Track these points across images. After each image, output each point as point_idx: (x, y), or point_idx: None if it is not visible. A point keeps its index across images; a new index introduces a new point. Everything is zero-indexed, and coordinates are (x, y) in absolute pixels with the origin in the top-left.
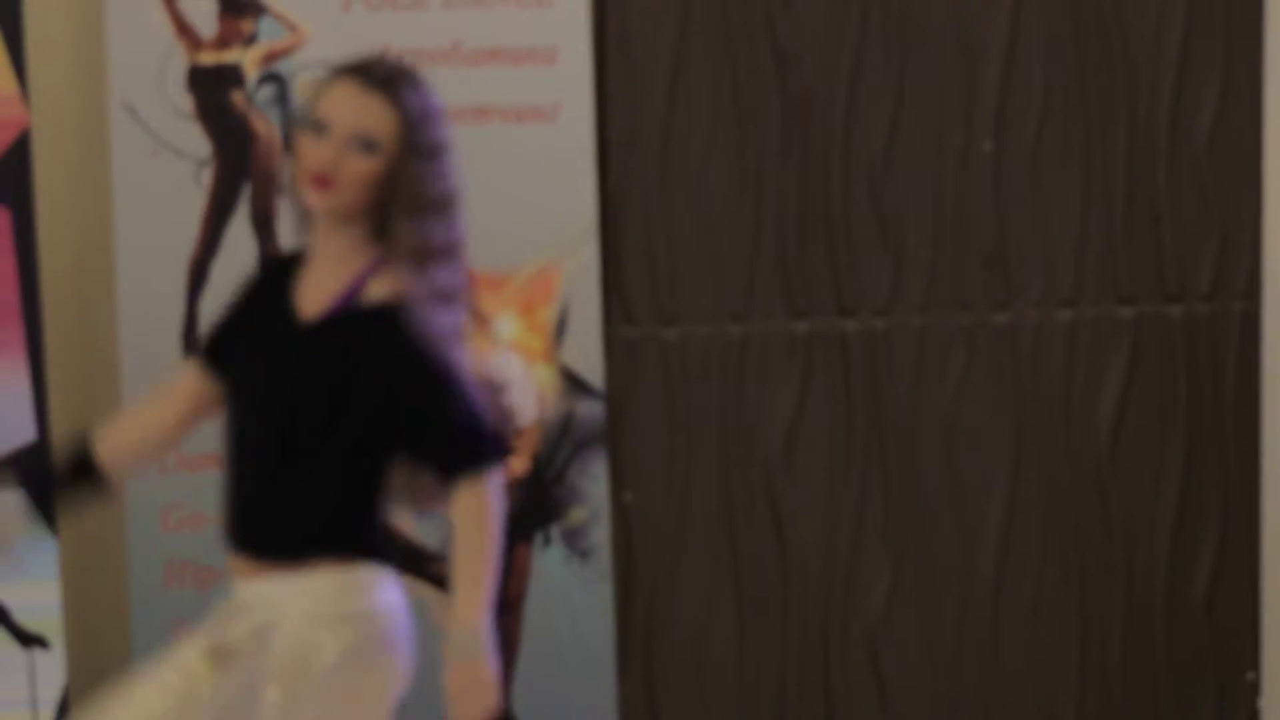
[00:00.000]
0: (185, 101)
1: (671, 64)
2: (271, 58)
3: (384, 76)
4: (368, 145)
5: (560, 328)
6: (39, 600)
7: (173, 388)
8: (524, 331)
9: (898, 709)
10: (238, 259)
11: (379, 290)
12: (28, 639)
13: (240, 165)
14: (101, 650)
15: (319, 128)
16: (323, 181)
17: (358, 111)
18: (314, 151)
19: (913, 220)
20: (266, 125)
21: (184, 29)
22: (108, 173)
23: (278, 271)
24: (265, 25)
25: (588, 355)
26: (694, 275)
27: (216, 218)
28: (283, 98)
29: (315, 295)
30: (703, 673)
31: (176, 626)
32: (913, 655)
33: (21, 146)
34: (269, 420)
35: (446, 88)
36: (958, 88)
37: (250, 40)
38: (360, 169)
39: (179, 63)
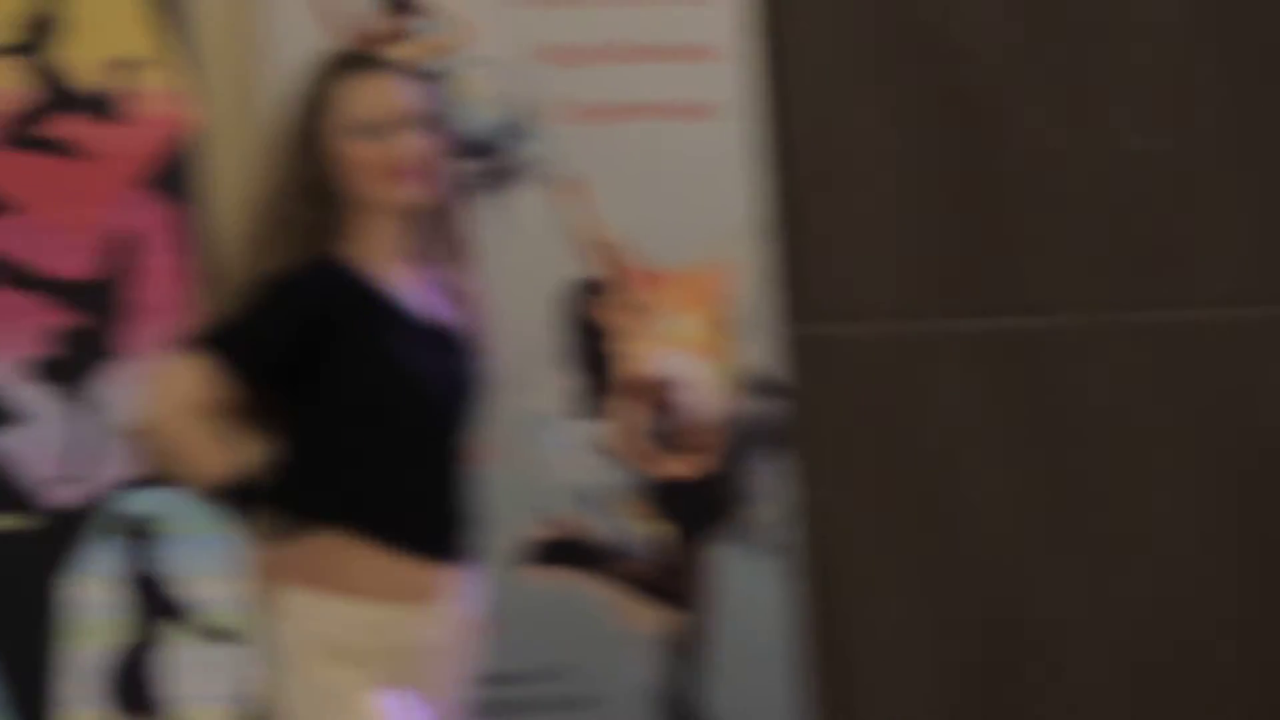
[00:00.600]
0: None
1: (831, 58)
2: (431, 54)
3: (375, 58)
4: (419, 122)
5: (736, 324)
6: (224, 595)
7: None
8: (695, 329)
9: (1083, 714)
10: None
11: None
12: (215, 634)
13: None
14: None
15: (368, 129)
16: (404, 172)
17: (395, 95)
18: (375, 151)
19: (1087, 217)
20: None
21: (345, 26)
22: None
23: (327, 275)
24: (423, 22)
25: (761, 352)
26: (875, 271)
27: None
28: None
29: (415, 292)
30: (894, 669)
31: None
32: (1100, 658)
33: (188, 143)
34: (446, 415)
35: (605, 84)
36: (1129, 82)
37: (410, 36)
38: (427, 147)
39: None
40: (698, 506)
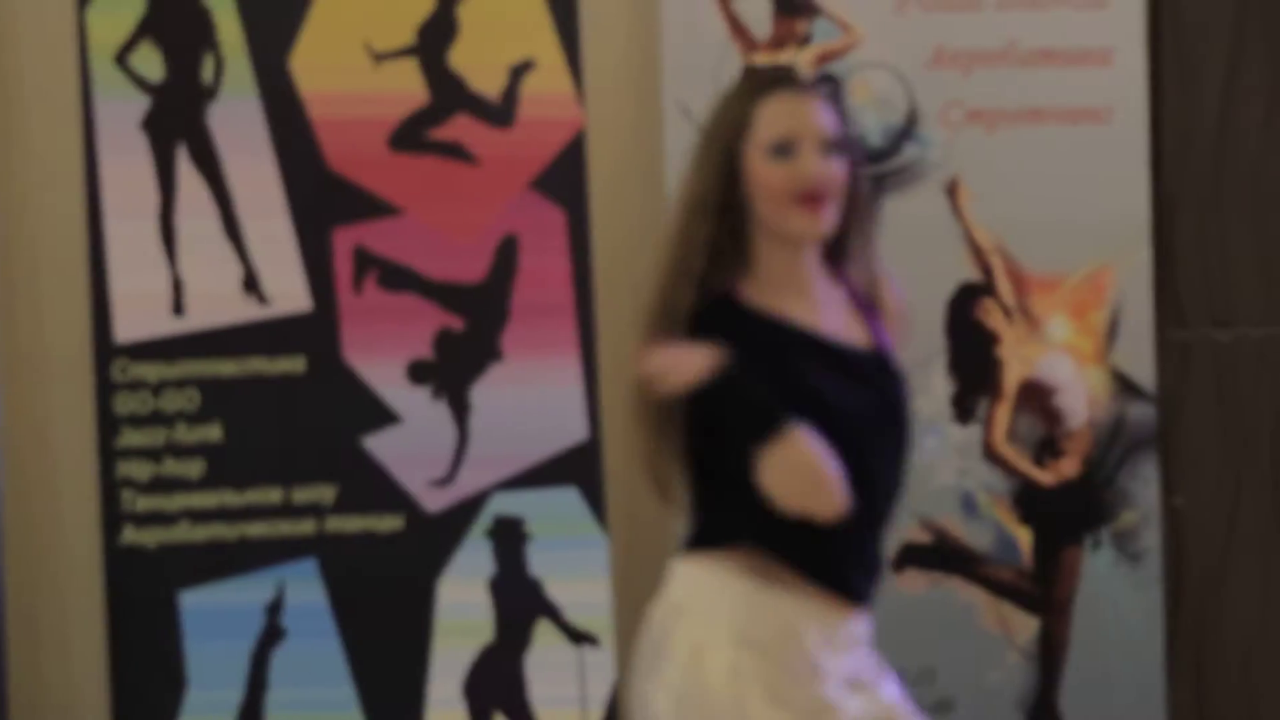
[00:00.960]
0: None
1: (1226, 64)
2: (825, 58)
3: (803, 81)
4: (835, 147)
5: (1112, 330)
6: (590, 598)
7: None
8: (1075, 334)
9: None
10: None
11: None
12: (579, 636)
13: None
14: None
15: (782, 150)
16: (816, 198)
17: (813, 117)
18: (789, 173)
19: None
20: None
21: (738, 30)
22: (661, 173)
23: (740, 315)
24: (820, 26)
25: (1139, 358)
26: (1248, 277)
27: None
28: (836, 98)
29: (840, 324)
30: (1253, 678)
31: None
32: None
33: (576, 148)
34: (899, 461)
35: (1001, 88)
36: None
37: (805, 41)
38: (840, 175)
39: (733, 63)
40: (1066, 511)
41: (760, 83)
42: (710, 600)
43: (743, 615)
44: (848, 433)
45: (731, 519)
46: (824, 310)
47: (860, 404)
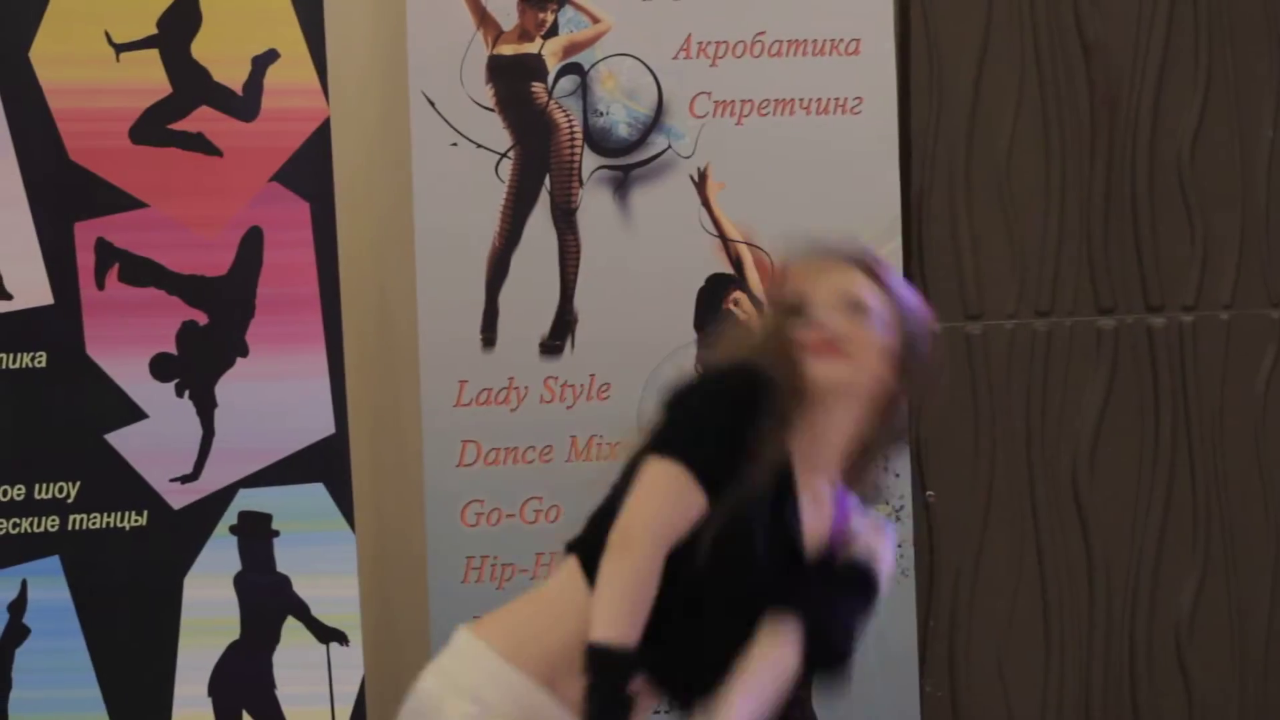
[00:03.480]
0: (485, 93)
1: (976, 56)
2: (572, 49)
3: (865, 259)
4: (858, 307)
5: None
6: (338, 595)
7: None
8: None
9: (1204, 711)
10: (537, 251)
11: (859, 537)
12: (326, 634)
13: (541, 157)
14: (400, 645)
15: (797, 309)
16: (830, 347)
17: (839, 279)
18: (806, 329)
19: (1220, 214)
20: (567, 117)
21: (484, 20)
22: (407, 165)
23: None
24: (566, 16)
25: None
26: (999, 269)
27: (516, 210)
28: (584, 89)
29: (815, 524)
30: (1007, 671)
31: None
32: (1221, 657)
33: (321, 138)
34: (744, 625)
35: (749, 78)
36: (1267, 78)
37: (551, 31)
38: (867, 335)
39: (479, 54)
40: None
41: (818, 257)
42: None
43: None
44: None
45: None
46: (812, 490)
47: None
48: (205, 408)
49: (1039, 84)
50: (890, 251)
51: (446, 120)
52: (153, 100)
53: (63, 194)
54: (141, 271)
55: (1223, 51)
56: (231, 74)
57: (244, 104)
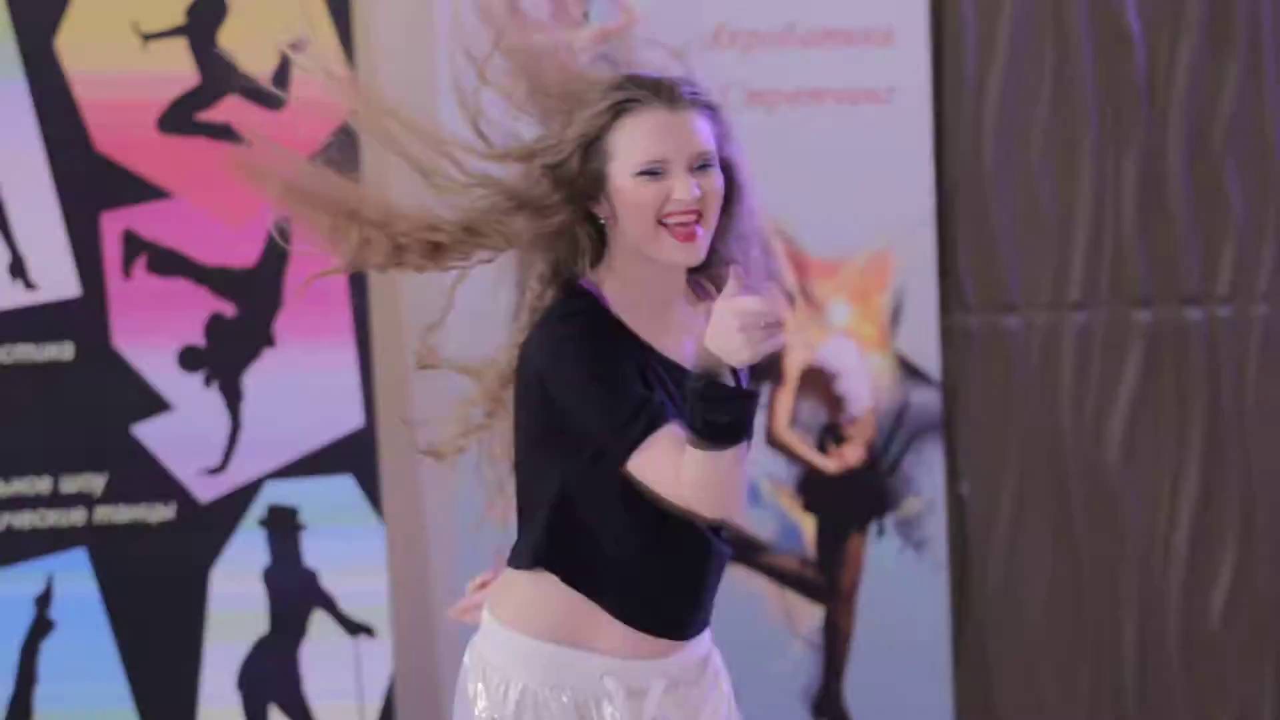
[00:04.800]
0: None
1: (1009, 43)
2: (603, 39)
3: (682, 94)
4: (707, 163)
5: (894, 314)
6: (366, 588)
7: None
8: (857, 318)
9: (1239, 708)
10: None
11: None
12: (355, 628)
13: None
14: (429, 639)
15: (652, 171)
16: (690, 227)
17: (686, 133)
18: (657, 193)
19: (1254, 206)
20: None
21: (513, 11)
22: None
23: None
24: (597, 6)
25: (922, 342)
26: (1033, 263)
27: None
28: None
29: (678, 348)
30: (1038, 665)
31: None
32: (1254, 652)
33: (350, 129)
34: None
35: (781, 68)
36: None
37: (582, 21)
38: (714, 192)
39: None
40: (850, 499)
41: (632, 92)
42: (507, 664)
43: (539, 679)
44: None
45: (547, 532)
46: (675, 334)
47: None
48: (233, 399)
49: (1073, 73)
50: (922, 243)
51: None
52: (180, 90)
53: (90, 184)
54: (169, 262)
55: (1260, 40)
56: (259, 63)
57: (274, 94)
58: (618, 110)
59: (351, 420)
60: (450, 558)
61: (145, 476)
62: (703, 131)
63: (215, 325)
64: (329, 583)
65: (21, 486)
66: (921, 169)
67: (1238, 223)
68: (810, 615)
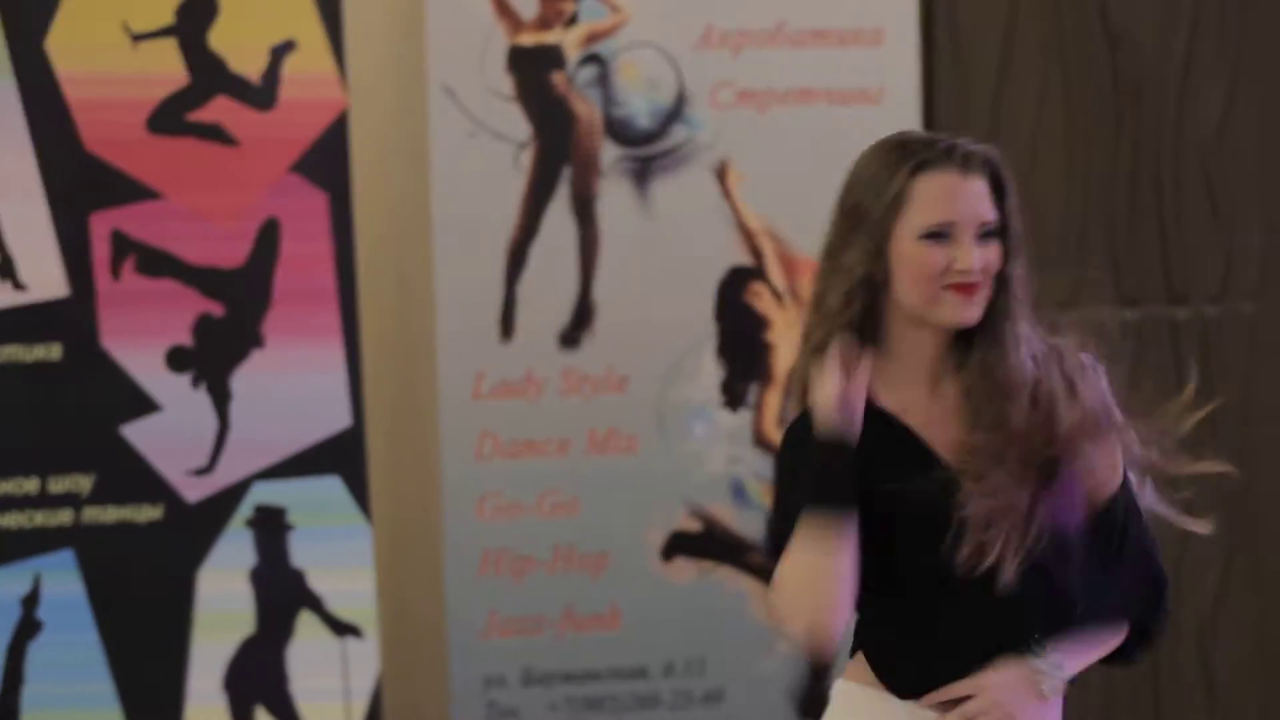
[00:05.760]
0: (505, 83)
1: (1000, 45)
2: (593, 38)
3: (976, 156)
4: (990, 233)
5: None
6: (353, 588)
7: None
8: None
9: (1226, 710)
10: (556, 243)
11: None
12: (341, 628)
13: (560, 148)
14: (416, 639)
15: (936, 235)
16: (970, 289)
17: (974, 199)
18: (944, 259)
19: (1246, 205)
20: (587, 107)
21: (504, 10)
22: (426, 155)
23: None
24: (586, 5)
25: None
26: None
27: (535, 201)
28: (604, 79)
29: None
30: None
31: (492, 614)
32: (1244, 654)
33: (339, 129)
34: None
35: (771, 68)
36: None
37: (571, 21)
38: (994, 261)
39: (499, 44)
40: None
41: (917, 156)
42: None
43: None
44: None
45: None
46: (928, 408)
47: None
48: (221, 400)
49: (1063, 73)
50: None
51: (466, 111)
52: (170, 90)
53: (79, 185)
54: (157, 262)
55: (1249, 40)
56: (249, 64)
57: (261, 94)
58: (914, 170)
59: (339, 421)
60: (437, 558)
61: (133, 477)
62: (987, 200)
63: (203, 325)
64: (316, 583)
65: (8, 487)
66: None
67: (1227, 223)
68: None
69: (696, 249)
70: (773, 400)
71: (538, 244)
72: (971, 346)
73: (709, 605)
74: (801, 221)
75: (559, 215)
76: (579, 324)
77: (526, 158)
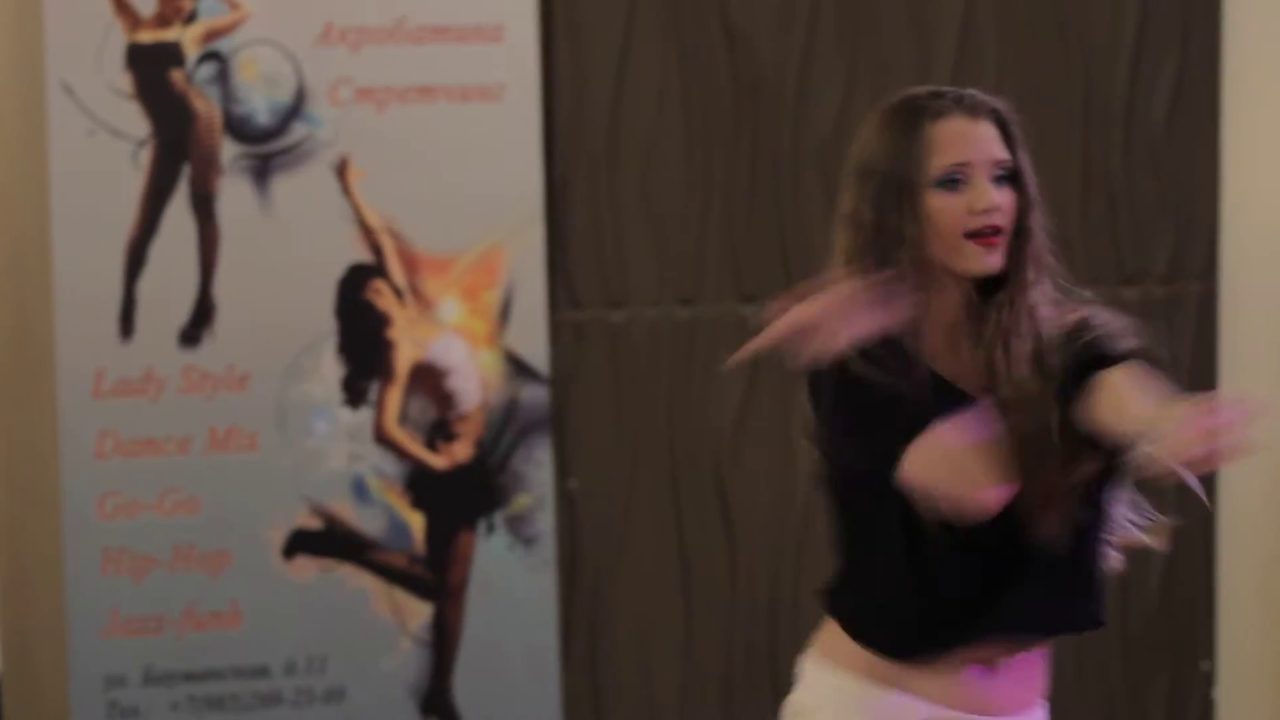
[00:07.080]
0: (124, 80)
1: (620, 43)
2: (212, 35)
3: (983, 104)
4: (1005, 175)
5: (504, 311)
6: None
7: None
8: (468, 315)
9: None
10: (176, 241)
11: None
12: None
13: (179, 145)
14: (36, 639)
15: (951, 181)
16: (992, 241)
17: (986, 142)
18: (956, 205)
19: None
20: (206, 104)
21: (122, 6)
22: (44, 153)
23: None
24: (205, 3)
25: (533, 339)
26: (641, 258)
27: (155, 199)
28: (223, 76)
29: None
30: (648, 661)
31: (114, 613)
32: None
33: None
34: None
35: (391, 65)
36: (910, 68)
37: (190, 18)
38: (1010, 204)
39: (117, 41)
40: (459, 495)
41: (925, 109)
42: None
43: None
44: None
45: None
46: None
47: None
48: None
49: (683, 71)
50: (532, 239)
51: (85, 108)
52: None
53: None
54: None
55: (865, 40)
56: None
57: None
58: (926, 122)
59: None
60: (57, 558)
61: None
62: (998, 142)
63: None
64: None
65: None
66: (531, 165)
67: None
68: (419, 612)
69: (317, 246)
70: (393, 397)
71: (157, 242)
72: (993, 304)
73: (330, 603)
74: (422, 219)
75: (178, 213)
76: (199, 322)
77: (145, 155)
